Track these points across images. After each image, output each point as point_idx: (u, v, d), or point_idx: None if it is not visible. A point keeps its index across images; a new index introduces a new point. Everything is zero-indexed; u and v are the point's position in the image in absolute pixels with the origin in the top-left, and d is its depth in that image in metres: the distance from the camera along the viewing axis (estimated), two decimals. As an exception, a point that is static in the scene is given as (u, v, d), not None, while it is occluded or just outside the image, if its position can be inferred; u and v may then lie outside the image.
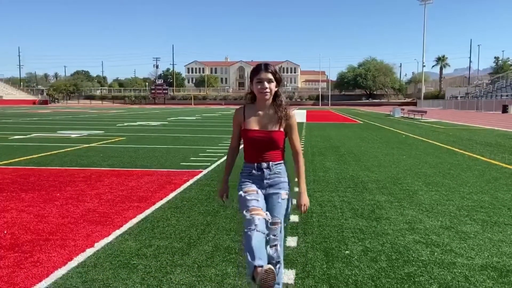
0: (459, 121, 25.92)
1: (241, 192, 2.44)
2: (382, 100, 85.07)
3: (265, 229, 2.25)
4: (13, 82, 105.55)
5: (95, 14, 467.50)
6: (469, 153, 10.13)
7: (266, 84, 2.38)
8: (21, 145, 11.46)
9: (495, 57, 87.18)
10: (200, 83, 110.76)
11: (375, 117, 31.20)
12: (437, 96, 73.95)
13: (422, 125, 22.13)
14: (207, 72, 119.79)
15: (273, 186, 2.49)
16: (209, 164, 8.09)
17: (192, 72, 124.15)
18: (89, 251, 3.51)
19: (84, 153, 9.77)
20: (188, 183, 6.26)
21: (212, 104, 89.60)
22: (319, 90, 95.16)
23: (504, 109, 40.29)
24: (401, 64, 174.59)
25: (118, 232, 4.02)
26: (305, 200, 2.56)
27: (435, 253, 3.56)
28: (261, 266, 2.12)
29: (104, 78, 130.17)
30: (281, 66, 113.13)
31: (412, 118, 29.16)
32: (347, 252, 3.58)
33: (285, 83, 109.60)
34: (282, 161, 2.54)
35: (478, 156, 9.59)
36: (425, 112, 29.36)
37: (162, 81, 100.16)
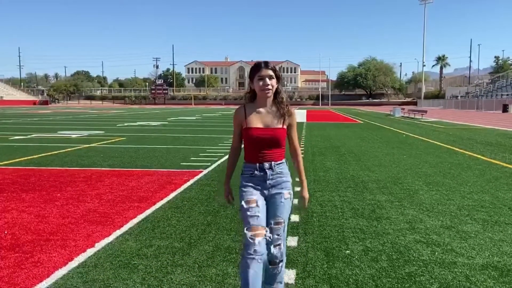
0: (459, 121, 25.92)
1: (243, 203, 2.42)
2: (382, 100, 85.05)
3: (264, 250, 2.32)
4: (13, 82, 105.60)
5: (95, 14, 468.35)
6: (470, 153, 10.13)
7: (268, 81, 2.38)
8: (22, 145, 11.46)
9: (495, 57, 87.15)
10: (200, 83, 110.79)
11: (375, 117, 31.20)
12: (437, 95, 73.95)
13: (422, 124, 22.13)
14: (207, 72, 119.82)
15: (275, 186, 2.48)
16: (209, 164, 8.09)
17: (192, 72, 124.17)
18: (90, 251, 3.51)
19: (85, 153, 9.77)
20: (188, 183, 6.26)
21: (212, 104, 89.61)
22: (319, 90, 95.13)
23: (505, 109, 40.28)
24: (401, 63, 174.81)
25: (118, 232, 4.02)
26: (307, 194, 2.65)
27: (436, 253, 3.56)
28: None
29: (104, 78, 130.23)
30: (281, 66, 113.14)
31: (412, 118, 29.16)
32: (347, 252, 3.58)
33: (285, 83, 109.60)
34: (284, 160, 2.53)
35: (479, 156, 9.58)
36: (425, 111, 29.33)
37: (162, 81, 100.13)
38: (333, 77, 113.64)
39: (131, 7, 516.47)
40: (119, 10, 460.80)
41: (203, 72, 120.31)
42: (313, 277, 3.07)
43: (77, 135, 14.78)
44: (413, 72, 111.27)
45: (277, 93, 2.47)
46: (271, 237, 2.40)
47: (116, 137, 14.07)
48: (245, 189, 2.47)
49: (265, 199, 2.49)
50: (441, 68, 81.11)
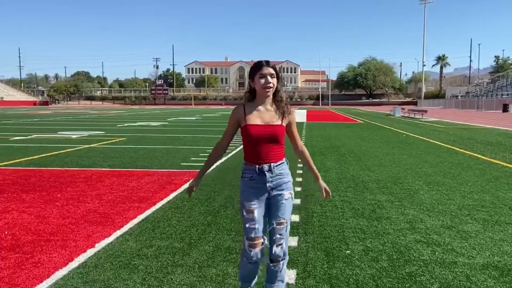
0: (459, 120, 25.91)
1: (243, 211, 2.49)
2: (382, 100, 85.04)
3: (260, 256, 2.50)
4: (13, 83, 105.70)
5: (95, 14, 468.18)
6: (470, 152, 10.12)
7: (270, 79, 2.41)
8: (22, 146, 11.46)
9: (495, 56, 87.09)
10: (200, 83, 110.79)
11: (376, 117, 31.19)
12: (438, 95, 73.91)
13: (422, 124, 22.13)
14: (207, 72, 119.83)
15: (276, 188, 2.49)
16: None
17: (192, 73, 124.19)
18: (90, 252, 3.51)
19: (85, 153, 9.77)
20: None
21: (212, 104, 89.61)
22: (319, 90, 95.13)
23: (505, 108, 40.26)
24: (401, 63, 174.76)
25: (118, 232, 4.02)
26: (325, 184, 2.72)
27: (436, 253, 3.55)
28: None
29: (105, 78, 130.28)
30: (281, 66, 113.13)
31: (412, 118, 29.15)
32: (348, 252, 3.58)
33: (285, 83, 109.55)
34: (283, 160, 2.53)
35: (479, 155, 9.58)
36: (426, 111, 29.34)
37: (162, 82, 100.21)
38: (333, 77, 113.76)
39: (131, 7, 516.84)
40: (119, 10, 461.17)
41: (203, 72, 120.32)
42: (314, 277, 3.07)
43: (77, 135, 14.78)
44: (413, 72, 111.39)
45: (276, 92, 2.49)
46: (275, 237, 2.47)
47: (116, 137, 14.07)
48: (244, 196, 2.50)
49: (266, 200, 2.50)
50: (441, 68, 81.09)
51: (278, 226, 2.46)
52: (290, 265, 3.23)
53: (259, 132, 2.43)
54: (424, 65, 71.40)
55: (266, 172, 2.45)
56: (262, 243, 2.48)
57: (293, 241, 3.79)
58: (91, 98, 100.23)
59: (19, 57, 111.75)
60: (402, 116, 32.24)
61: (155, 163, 8.29)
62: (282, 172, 2.50)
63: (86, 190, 5.84)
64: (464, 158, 9.25)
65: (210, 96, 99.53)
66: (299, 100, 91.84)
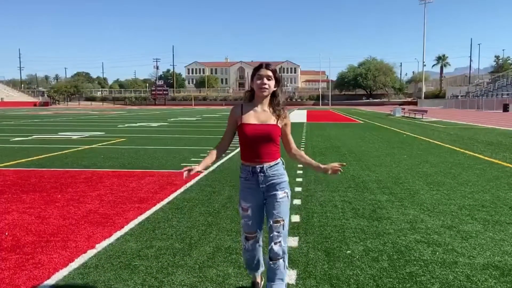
0: (459, 120, 25.90)
1: (240, 209, 2.65)
2: (382, 100, 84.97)
3: (256, 243, 2.68)
4: (13, 84, 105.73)
5: (95, 15, 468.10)
6: (470, 152, 10.12)
7: (266, 80, 2.47)
8: (22, 146, 11.47)
9: (495, 56, 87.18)
10: (200, 84, 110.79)
11: (376, 117, 31.19)
12: (438, 95, 73.93)
13: (422, 124, 22.12)
14: (207, 73, 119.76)
15: (269, 189, 2.55)
16: (210, 164, 8.07)
17: (192, 73, 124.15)
18: (90, 252, 3.52)
19: (85, 154, 9.77)
20: (189, 184, 6.26)
21: (212, 104, 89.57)
22: (319, 90, 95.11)
23: (505, 108, 40.25)
24: (401, 63, 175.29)
25: (119, 233, 4.02)
26: (328, 164, 2.59)
27: (437, 253, 3.55)
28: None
29: (105, 79, 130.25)
30: (281, 66, 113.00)
31: (412, 118, 29.15)
32: (348, 252, 3.57)
33: (285, 83, 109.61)
34: (278, 160, 2.58)
35: (479, 155, 9.58)
36: (426, 111, 29.31)
37: (162, 82, 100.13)
38: (333, 77, 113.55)
39: (131, 7, 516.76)
40: (119, 10, 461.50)
41: (203, 73, 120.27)
42: (314, 277, 3.07)
43: (78, 136, 14.79)
44: (413, 72, 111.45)
45: (275, 96, 2.55)
46: (272, 235, 2.52)
47: (117, 138, 14.08)
48: (241, 195, 2.63)
49: (263, 200, 2.59)
50: (441, 68, 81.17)
51: (275, 224, 2.52)
52: (291, 265, 3.23)
53: (254, 131, 2.48)
54: (424, 65, 71.51)
55: (258, 174, 2.52)
56: (256, 236, 2.65)
57: (294, 241, 3.79)
58: (91, 99, 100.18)
59: (19, 58, 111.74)
60: (402, 116, 32.24)
61: (155, 164, 8.29)
62: (275, 173, 2.55)
63: (86, 190, 5.84)
64: (465, 158, 9.25)
65: (210, 97, 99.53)
66: (299, 100, 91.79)
